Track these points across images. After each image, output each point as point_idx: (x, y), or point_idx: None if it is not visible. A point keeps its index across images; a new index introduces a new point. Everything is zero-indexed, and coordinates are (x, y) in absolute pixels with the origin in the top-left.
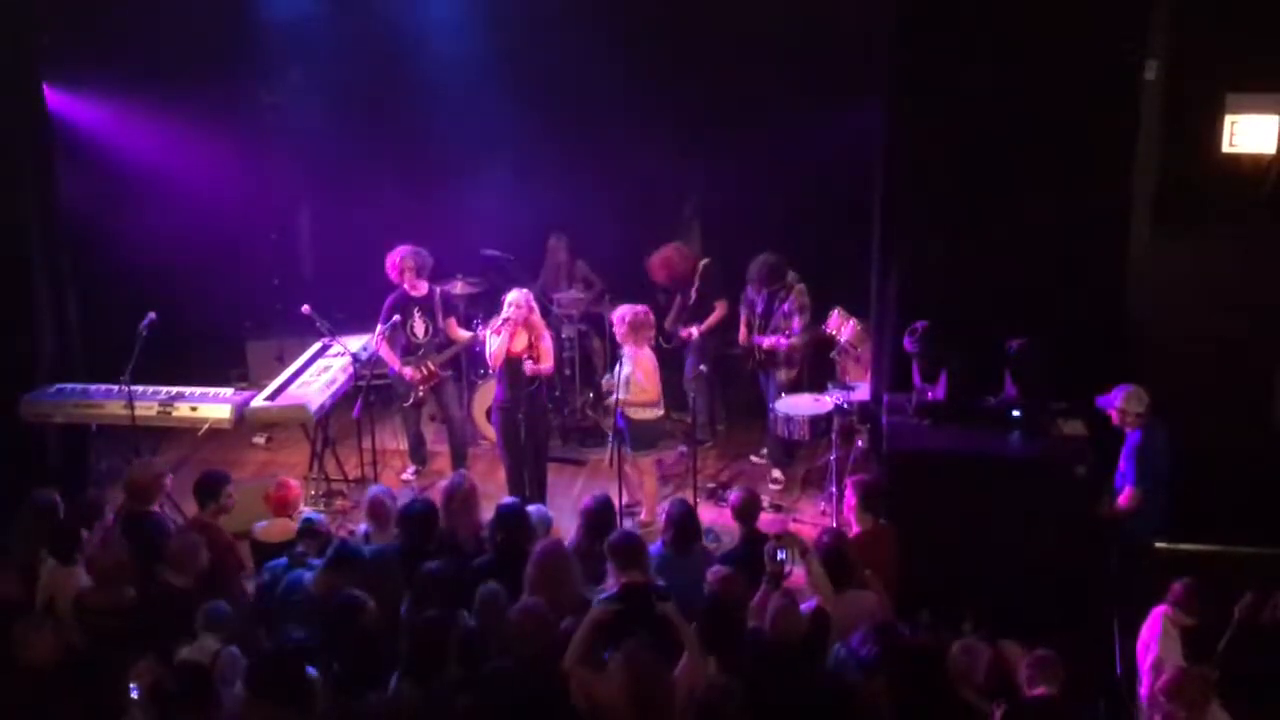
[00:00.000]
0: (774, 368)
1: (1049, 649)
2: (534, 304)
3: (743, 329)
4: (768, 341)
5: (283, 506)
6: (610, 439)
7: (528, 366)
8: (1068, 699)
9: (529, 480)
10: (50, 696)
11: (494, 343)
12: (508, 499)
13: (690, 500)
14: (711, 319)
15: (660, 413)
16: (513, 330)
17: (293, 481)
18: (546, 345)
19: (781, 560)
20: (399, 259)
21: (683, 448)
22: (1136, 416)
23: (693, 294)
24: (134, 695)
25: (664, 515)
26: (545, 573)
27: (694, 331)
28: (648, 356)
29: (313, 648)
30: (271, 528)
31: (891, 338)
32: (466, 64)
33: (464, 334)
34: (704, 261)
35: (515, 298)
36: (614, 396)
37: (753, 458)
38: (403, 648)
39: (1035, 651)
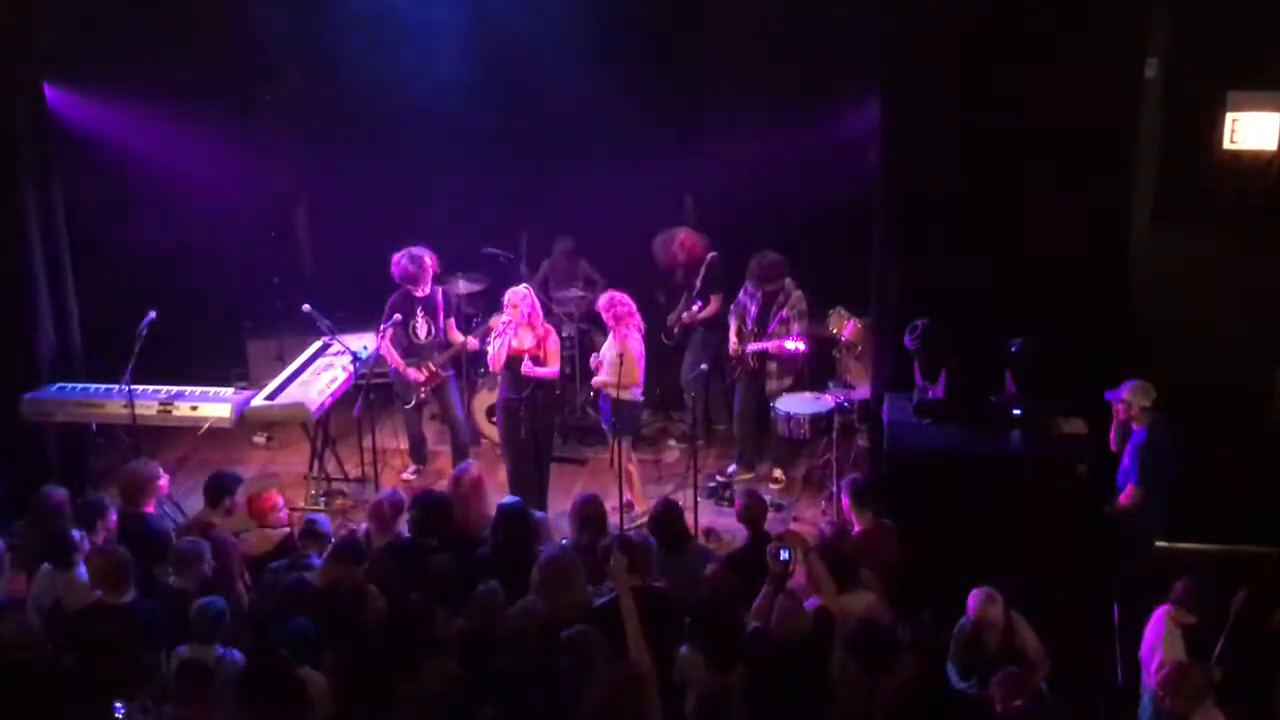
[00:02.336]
0: (765, 377)
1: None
2: (535, 301)
3: (732, 338)
4: (774, 345)
5: (259, 515)
6: (609, 434)
7: (525, 367)
8: (1066, 698)
9: (530, 480)
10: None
11: (495, 344)
12: (510, 498)
13: (691, 500)
14: (706, 311)
15: (639, 396)
16: (514, 331)
17: (272, 492)
18: (553, 346)
19: (785, 560)
20: (424, 259)
21: (678, 444)
22: (1143, 410)
23: (697, 284)
24: (119, 715)
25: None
26: (551, 578)
27: (684, 317)
28: (633, 340)
29: (313, 644)
30: (250, 538)
31: (891, 337)
32: (466, 64)
33: (459, 336)
34: (711, 255)
35: (514, 298)
36: (598, 379)
37: (718, 477)
38: (407, 642)
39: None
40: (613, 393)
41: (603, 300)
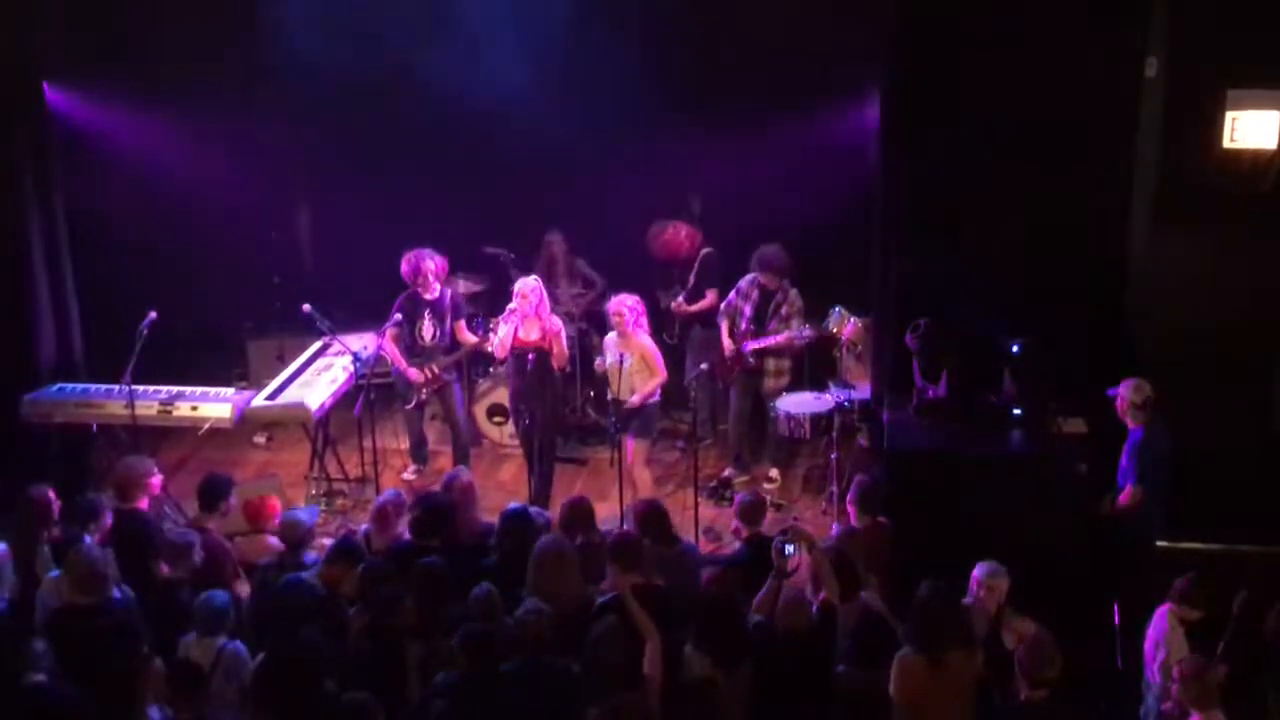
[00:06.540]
0: (762, 376)
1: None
2: (544, 294)
3: (725, 339)
4: (782, 339)
5: (257, 521)
6: (612, 431)
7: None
8: (1067, 697)
9: (535, 477)
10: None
11: (501, 331)
12: (514, 504)
13: (691, 499)
14: (701, 304)
15: (658, 396)
16: (520, 320)
17: (274, 498)
18: (562, 340)
19: (789, 554)
20: (422, 263)
21: (681, 443)
22: (1136, 408)
23: (690, 279)
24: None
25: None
26: (545, 571)
27: (673, 307)
28: (644, 339)
29: (318, 646)
30: (248, 544)
31: (892, 336)
32: (466, 63)
33: (471, 337)
34: (706, 250)
35: (523, 288)
36: (612, 394)
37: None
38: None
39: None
40: (636, 400)
41: (611, 306)
